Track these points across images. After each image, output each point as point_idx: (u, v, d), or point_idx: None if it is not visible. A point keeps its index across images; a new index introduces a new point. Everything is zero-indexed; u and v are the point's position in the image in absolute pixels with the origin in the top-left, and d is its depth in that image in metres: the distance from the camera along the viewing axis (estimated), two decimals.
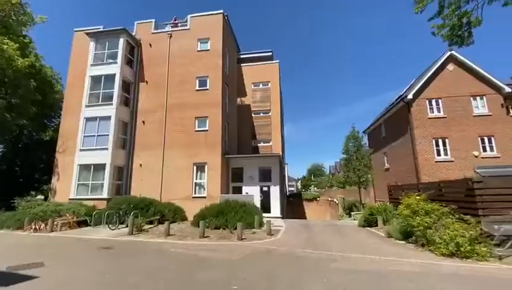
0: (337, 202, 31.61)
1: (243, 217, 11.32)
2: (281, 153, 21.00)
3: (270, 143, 22.13)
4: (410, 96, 16.71)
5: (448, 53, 16.91)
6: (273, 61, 24.05)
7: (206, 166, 15.06)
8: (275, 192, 16.61)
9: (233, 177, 16.92)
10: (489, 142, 15.94)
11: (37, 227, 11.13)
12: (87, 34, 17.13)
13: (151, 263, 6.32)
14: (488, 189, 7.52)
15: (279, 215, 16.24)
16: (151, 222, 12.27)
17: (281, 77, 24.85)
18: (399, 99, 18.26)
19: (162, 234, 10.16)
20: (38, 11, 54.38)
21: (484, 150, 15.88)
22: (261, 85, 23.26)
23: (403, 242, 8.52)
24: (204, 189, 14.94)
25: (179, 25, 18.33)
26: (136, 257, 7.00)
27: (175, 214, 13.50)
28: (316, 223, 15.52)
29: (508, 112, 15.93)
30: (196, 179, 15.19)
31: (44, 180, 21.64)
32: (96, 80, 16.37)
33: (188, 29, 17.35)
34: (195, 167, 15.21)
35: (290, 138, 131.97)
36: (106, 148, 14.98)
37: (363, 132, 25.70)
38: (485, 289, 4.64)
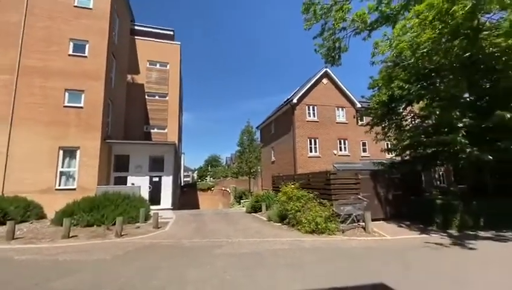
0: (229, 191, 33.31)
1: (125, 210, 10.01)
2: (177, 141, 19.96)
3: (166, 130, 20.64)
4: (295, 100, 19.48)
5: (324, 69, 20.73)
6: (175, 42, 22.36)
7: (78, 151, 12.28)
8: (167, 182, 15.64)
9: (117, 166, 14.70)
10: (344, 143, 20.77)
11: None
12: None
13: None
14: (339, 179, 9.78)
15: (170, 207, 15.46)
16: None
17: (182, 61, 23.49)
18: (287, 102, 20.94)
19: (1, 238, 7.60)
20: None
21: (340, 149, 20.57)
22: (158, 65, 21.16)
23: (280, 224, 9.87)
24: (74, 179, 12.18)
25: None
26: None
27: (26, 211, 10.37)
28: (207, 212, 15.73)
29: (357, 122, 21.18)
30: (62, 166, 12.15)
31: None
32: None
33: None
34: (61, 152, 12.12)
35: (189, 126, 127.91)
36: None
37: (257, 128, 28.06)
38: (331, 254, 5.98)
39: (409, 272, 4.90)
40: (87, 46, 13.07)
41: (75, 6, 13.26)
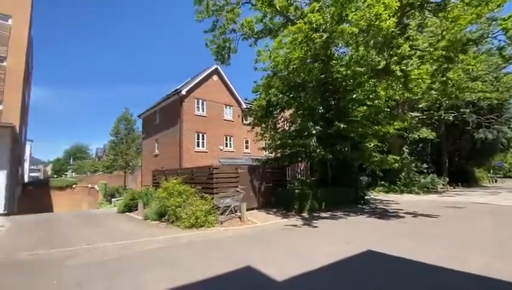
0: (98, 189, 28.23)
1: None
2: (18, 123, 14.95)
3: (1, 107, 15.03)
4: (184, 92, 18.82)
5: (215, 66, 21.13)
6: None
7: None
8: None
9: None
10: (230, 140, 21.97)
11: None
12: None
13: None
14: (221, 173, 10.25)
15: (3, 212, 11.45)
16: None
17: (33, 18, 17.81)
18: (175, 93, 19.93)
19: None
20: None
21: (226, 145, 21.62)
22: None
23: (157, 222, 9.28)
24: None
25: None
26: None
27: None
28: (64, 215, 12.73)
29: (242, 121, 22.86)
30: None
31: None
32: None
33: None
34: None
35: (42, 106, 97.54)
36: None
37: (138, 116, 25.20)
38: (207, 246, 6.16)
39: (270, 251, 5.74)
40: None
41: None
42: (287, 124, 14.11)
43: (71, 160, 62.65)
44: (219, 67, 21.26)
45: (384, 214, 10.53)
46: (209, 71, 20.94)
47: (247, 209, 9.55)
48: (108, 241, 6.79)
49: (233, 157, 21.23)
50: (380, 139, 12.79)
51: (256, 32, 12.04)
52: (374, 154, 12.21)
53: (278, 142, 12.38)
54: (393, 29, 8.11)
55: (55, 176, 55.77)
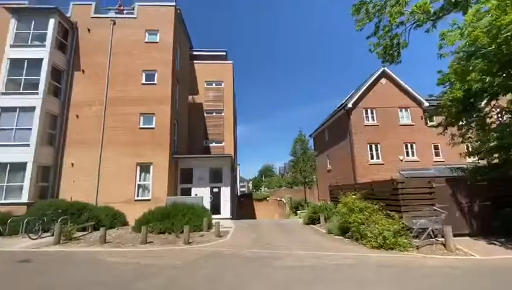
0: (285, 201, 33.03)
1: (190, 219, 10.91)
2: (233, 153, 20.98)
3: (223, 144, 21.93)
4: (350, 105, 18.48)
5: (382, 69, 19.21)
6: (227, 61, 23.96)
7: (151, 166, 14.07)
8: (225, 193, 16.48)
9: (182, 179, 16.23)
10: (411, 148, 18.62)
11: None
12: (7, 9, 14.38)
13: (81, 277, 5.58)
14: (408, 188, 8.73)
15: (229, 217, 16.17)
16: (84, 229, 10.91)
17: (235, 78, 24.94)
18: (341, 108, 20.03)
19: (96, 241, 9.11)
20: None
21: (407, 154, 18.49)
22: (214, 84, 22.90)
23: (341, 237, 9.31)
24: (148, 191, 13.94)
25: (125, 12, 16.83)
26: (62, 271, 6.09)
27: (114, 219, 12.27)
28: (264, 222, 15.90)
29: (426, 123, 18.80)
30: (140, 180, 14.06)
31: None
32: (16, 63, 13.79)
33: (135, 18, 16.00)
34: (139, 168, 14.08)
35: (242, 138, 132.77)
36: (28, 145, 12.74)
37: (309, 136, 27.47)
38: (403, 273, 5.34)
39: None
40: (155, 75, 15.10)
41: (146, 42, 15.57)
42: (504, 117, 9.92)
43: (263, 177, 78.43)
44: (386, 69, 19.15)
45: None
46: (375, 76, 19.38)
47: (453, 236, 7.40)
48: (302, 249, 7.63)
49: (418, 167, 17.70)
50: None
51: (434, 13, 9.76)
52: None
53: (493, 143, 8.85)
54: None
55: (254, 190, 71.65)
